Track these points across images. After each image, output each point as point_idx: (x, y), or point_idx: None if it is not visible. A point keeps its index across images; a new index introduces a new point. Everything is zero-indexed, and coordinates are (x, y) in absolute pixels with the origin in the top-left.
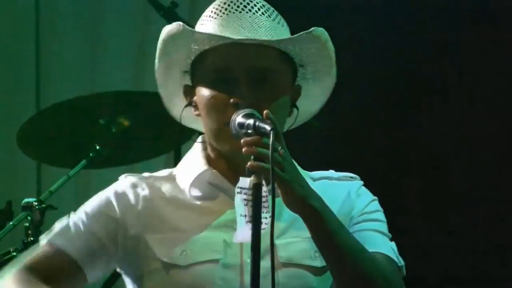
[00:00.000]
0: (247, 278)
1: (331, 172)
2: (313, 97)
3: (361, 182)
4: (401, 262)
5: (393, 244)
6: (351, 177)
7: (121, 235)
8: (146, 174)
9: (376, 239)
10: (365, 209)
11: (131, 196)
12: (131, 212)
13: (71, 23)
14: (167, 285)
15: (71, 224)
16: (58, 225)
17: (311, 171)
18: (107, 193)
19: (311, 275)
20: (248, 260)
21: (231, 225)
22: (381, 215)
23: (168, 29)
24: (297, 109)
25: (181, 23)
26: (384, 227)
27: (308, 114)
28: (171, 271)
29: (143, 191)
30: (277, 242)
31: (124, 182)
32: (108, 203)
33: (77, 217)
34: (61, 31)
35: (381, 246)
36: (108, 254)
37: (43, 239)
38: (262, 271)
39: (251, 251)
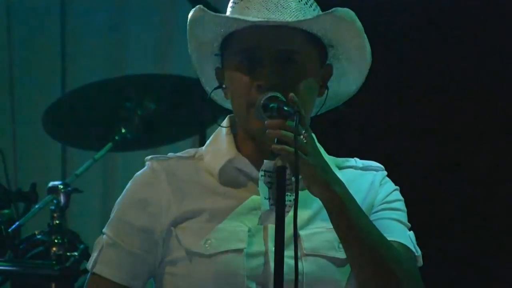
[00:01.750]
0: (272, 267)
1: (356, 161)
2: (348, 78)
3: (385, 173)
4: (418, 252)
5: (411, 233)
6: (375, 167)
7: (154, 240)
8: (171, 155)
9: (395, 227)
10: (386, 198)
11: (156, 192)
12: (159, 213)
13: (96, 7)
14: (191, 274)
15: (109, 248)
16: (97, 248)
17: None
18: (131, 198)
19: (334, 266)
20: (273, 249)
21: (256, 213)
22: (401, 205)
23: (191, 14)
24: (328, 89)
25: (202, 7)
26: (403, 216)
27: (345, 95)
28: (195, 260)
29: (167, 179)
30: (301, 232)
31: (146, 175)
32: (136, 213)
33: (112, 237)
34: (87, 15)
35: (398, 235)
36: (149, 264)
37: (90, 266)
38: (286, 261)
39: (275, 234)
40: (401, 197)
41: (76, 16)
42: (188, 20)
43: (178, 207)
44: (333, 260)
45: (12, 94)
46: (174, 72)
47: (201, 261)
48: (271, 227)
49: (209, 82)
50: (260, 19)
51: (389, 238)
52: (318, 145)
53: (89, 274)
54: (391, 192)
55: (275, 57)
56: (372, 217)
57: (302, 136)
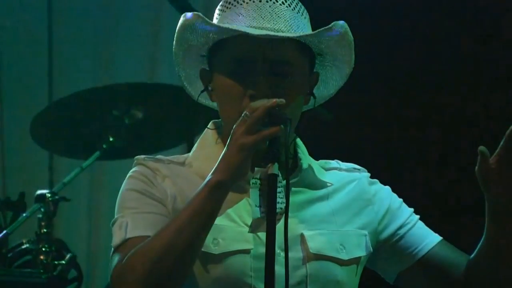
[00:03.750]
0: (278, 269)
1: (337, 162)
2: (329, 83)
3: (368, 174)
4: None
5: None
6: (357, 169)
7: (167, 213)
8: (163, 158)
9: (426, 229)
10: (394, 206)
11: (158, 184)
12: (166, 199)
13: (84, 14)
14: (199, 272)
15: (134, 217)
16: (117, 226)
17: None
18: (134, 185)
19: (338, 267)
20: (279, 251)
21: (255, 222)
22: (405, 207)
23: (186, 18)
24: (314, 97)
25: (199, 14)
26: (413, 215)
27: (323, 98)
28: (203, 258)
29: (167, 176)
30: (305, 233)
31: (145, 168)
32: (146, 186)
33: (131, 210)
34: (74, 23)
35: (433, 234)
36: None
37: (118, 239)
38: (293, 263)
39: (266, 241)
40: (397, 199)
41: (64, 25)
42: (182, 24)
43: (182, 203)
44: (337, 261)
45: (1, 102)
46: (163, 81)
47: (210, 260)
48: (278, 228)
49: (189, 82)
50: (261, 33)
51: (426, 247)
52: (304, 148)
53: (115, 248)
54: (392, 200)
55: (268, 68)
56: (403, 230)
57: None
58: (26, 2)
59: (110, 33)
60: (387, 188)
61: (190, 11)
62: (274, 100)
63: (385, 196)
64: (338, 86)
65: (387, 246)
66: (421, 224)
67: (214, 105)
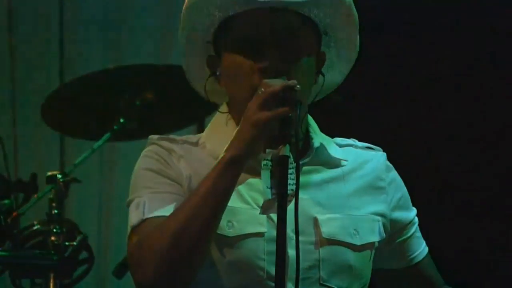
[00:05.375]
0: (291, 252)
1: (354, 141)
2: (335, 68)
3: (384, 154)
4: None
5: (419, 235)
6: (372, 148)
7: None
8: (177, 137)
9: (420, 243)
10: (405, 207)
11: (175, 161)
12: (181, 179)
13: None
14: (213, 254)
15: (151, 197)
16: (134, 206)
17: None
18: (150, 163)
19: (351, 252)
20: (292, 234)
21: (266, 203)
22: (412, 208)
23: None
24: (323, 75)
25: None
26: (416, 224)
27: (330, 86)
28: (218, 240)
29: (182, 157)
30: (319, 217)
31: (160, 148)
32: (161, 166)
33: (148, 189)
34: (86, 5)
35: (423, 248)
36: None
37: (136, 219)
38: (305, 246)
39: (277, 223)
40: (408, 196)
41: (75, 6)
42: (187, 4)
43: (196, 183)
44: (350, 246)
45: (13, 84)
46: (173, 62)
47: (224, 243)
48: (291, 210)
49: (194, 73)
50: None
51: (420, 255)
52: (316, 126)
53: (132, 228)
54: (402, 195)
55: (277, 40)
56: (405, 235)
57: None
58: None
59: (121, 15)
60: (400, 179)
61: None
62: (294, 81)
63: (398, 188)
64: (346, 72)
65: (390, 240)
66: (418, 228)
67: (216, 99)
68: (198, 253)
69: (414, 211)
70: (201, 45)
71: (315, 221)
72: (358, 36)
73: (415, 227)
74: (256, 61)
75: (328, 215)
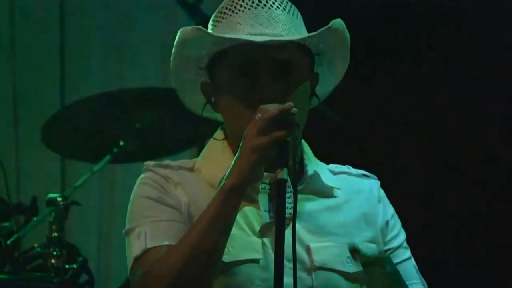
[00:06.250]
0: (287, 280)
1: (349, 168)
2: (326, 82)
3: (379, 182)
4: (425, 284)
5: (415, 264)
6: (369, 176)
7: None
8: (172, 163)
9: (408, 269)
10: (393, 230)
11: (171, 191)
12: (179, 205)
13: (96, 18)
14: None
15: (152, 226)
16: (135, 237)
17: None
18: (147, 192)
19: (344, 280)
20: (286, 262)
21: (264, 227)
22: (402, 231)
23: (185, 32)
24: (318, 97)
25: (199, 27)
26: (406, 245)
27: (321, 96)
28: None
29: (179, 184)
30: (312, 245)
31: (157, 175)
32: (160, 193)
33: (148, 218)
34: (87, 26)
35: (413, 276)
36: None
37: (137, 250)
38: (298, 274)
39: (275, 247)
40: (398, 220)
41: (76, 29)
42: (180, 39)
43: (194, 210)
44: (343, 274)
45: (14, 107)
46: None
47: (219, 268)
48: (286, 238)
49: (188, 95)
50: (263, 39)
51: (411, 285)
52: (310, 152)
53: (136, 259)
54: (392, 217)
55: (273, 69)
56: (392, 258)
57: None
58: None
59: (122, 38)
60: (391, 209)
61: (201, 16)
62: (290, 103)
63: (388, 213)
64: (334, 84)
65: None
66: (412, 262)
67: (215, 116)
68: (207, 280)
69: (404, 235)
70: (194, 70)
71: (308, 249)
72: (349, 52)
73: (408, 253)
74: (252, 92)
75: (320, 243)
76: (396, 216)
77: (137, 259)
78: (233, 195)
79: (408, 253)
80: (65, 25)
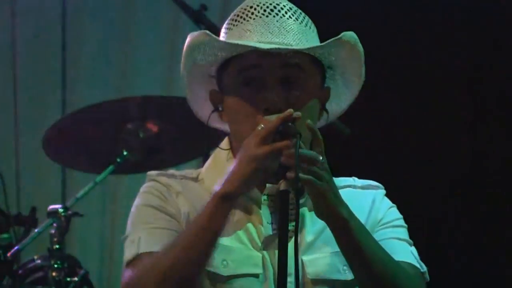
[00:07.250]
0: None
1: (354, 180)
2: (340, 97)
3: (384, 191)
4: (423, 267)
5: (414, 249)
6: (374, 186)
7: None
8: (176, 173)
9: (397, 246)
10: (385, 217)
11: (173, 200)
12: (178, 215)
13: (99, 27)
14: None
15: (147, 232)
16: (130, 243)
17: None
18: (148, 200)
19: None
20: (287, 278)
21: (262, 237)
22: (400, 221)
23: (193, 37)
24: (327, 112)
25: (206, 31)
26: (404, 233)
27: (335, 113)
28: (212, 278)
29: (180, 193)
30: (304, 258)
31: (159, 184)
32: (160, 201)
33: (145, 224)
34: (89, 36)
35: (402, 254)
36: None
37: (131, 253)
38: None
39: (278, 260)
40: (399, 214)
41: (78, 38)
42: (189, 44)
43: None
44: (339, 284)
45: (15, 117)
46: (180, 94)
47: (218, 282)
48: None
49: (197, 104)
50: (271, 46)
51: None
52: None
53: (127, 263)
54: (388, 209)
55: (280, 80)
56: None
57: (316, 161)
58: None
59: (126, 45)
60: (390, 204)
61: (205, 23)
62: (290, 110)
63: (381, 212)
64: (350, 100)
65: None
66: (398, 242)
67: (223, 126)
68: (192, 283)
69: (397, 221)
70: (204, 79)
71: (301, 262)
72: (363, 67)
73: (396, 234)
74: (259, 103)
75: (314, 255)
76: (393, 209)
77: (129, 263)
78: (224, 203)
79: (395, 233)
80: (67, 32)
